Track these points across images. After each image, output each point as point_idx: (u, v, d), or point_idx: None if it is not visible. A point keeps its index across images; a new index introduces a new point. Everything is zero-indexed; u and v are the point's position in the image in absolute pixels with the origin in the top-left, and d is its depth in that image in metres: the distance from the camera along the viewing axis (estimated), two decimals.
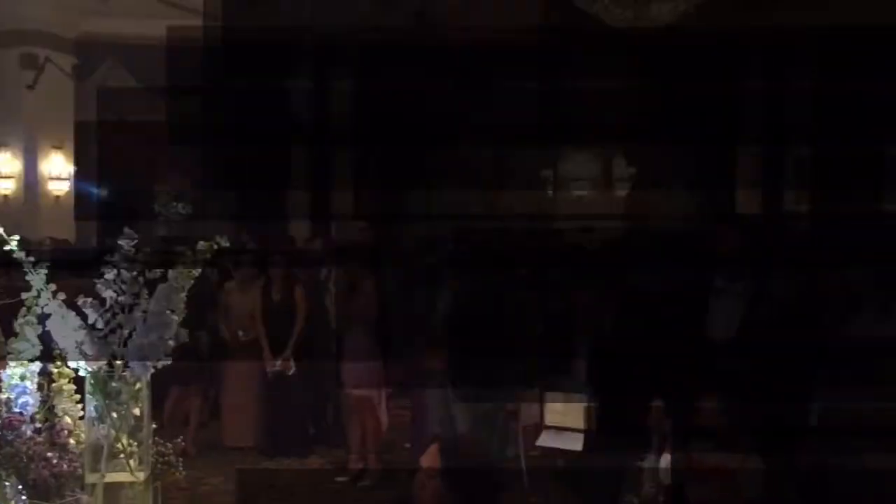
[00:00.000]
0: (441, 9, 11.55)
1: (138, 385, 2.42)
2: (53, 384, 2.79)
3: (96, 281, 2.41)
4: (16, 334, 2.79)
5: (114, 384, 2.40)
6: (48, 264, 2.49)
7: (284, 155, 13.45)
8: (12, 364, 2.76)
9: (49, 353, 2.71)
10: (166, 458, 2.67)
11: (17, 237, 2.46)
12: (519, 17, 10.54)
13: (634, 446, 4.32)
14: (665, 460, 3.67)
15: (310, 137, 13.33)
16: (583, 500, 4.55)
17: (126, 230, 2.46)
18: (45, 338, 2.61)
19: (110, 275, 2.40)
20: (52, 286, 2.46)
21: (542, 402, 4.57)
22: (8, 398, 2.74)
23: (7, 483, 2.51)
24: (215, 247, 2.52)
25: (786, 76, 14.40)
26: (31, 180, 12.58)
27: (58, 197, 12.88)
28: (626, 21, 7.53)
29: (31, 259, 2.45)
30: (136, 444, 2.43)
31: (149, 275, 2.45)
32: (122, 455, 2.41)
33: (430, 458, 2.53)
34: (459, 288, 5.98)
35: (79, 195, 13.02)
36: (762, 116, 14.36)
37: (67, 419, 2.73)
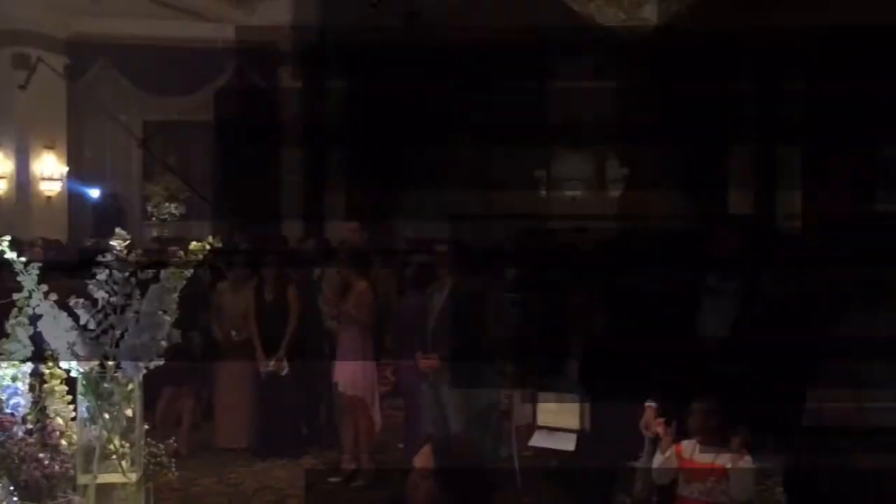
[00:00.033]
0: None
1: (130, 386, 2.42)
2: (45, 385, 2.78)
3: (88, 282, 2.41)
4: (7, 335, 2.78)
5: (106, 385, 2.39)
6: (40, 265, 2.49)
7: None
8: (4, 365, 2.75)
9: (41, 354, 2.70)
10: (158, 459, 2.67)
11: (7, 238, 2.45)
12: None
13: (627, 447, 4.32)
14: (657, 461, 3.67)
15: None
16: (575, 501, 4.55)
17: (118, 230, 2.45)
18: (37, 339, 2.60)
19: (102, 275, 2.39)
20: (44, 287, 2.45)
21: (534, 402, 4.57)
22: None
23: None
24: (207, 247, 2.51)
25: (780, 76, 14.45)
26: (22, 180, 12.55)
27: (49, 197, 12.84)
28: (619, 21, 7.54)
29: (23, 260, 2.45)
30: (128, 445, 2.43)
31: (141, 275, 2.45)
32: (114, 456, 2.40)
33: (423, 459, 2.54)
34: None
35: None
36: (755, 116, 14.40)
37: (59, 420, 2.72)
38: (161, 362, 2.42)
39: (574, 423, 4.33)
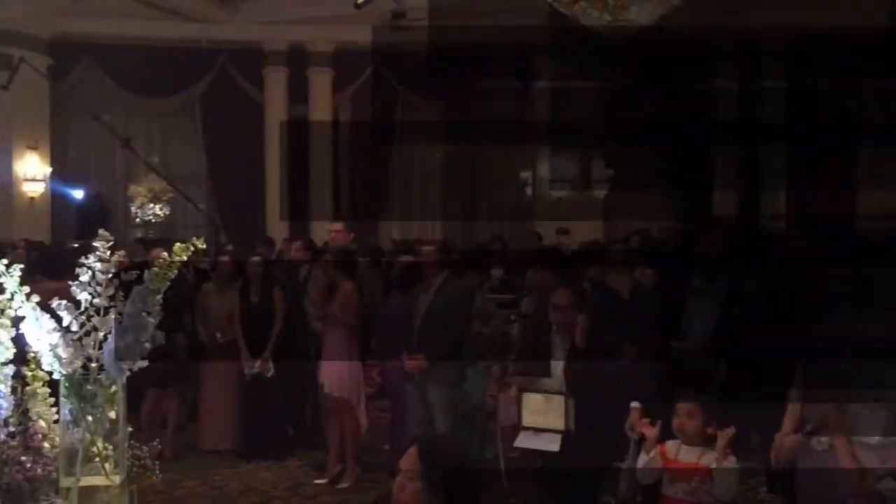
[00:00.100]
0: None
1: (114, 388, 2.41)
2: (27, 388, 2.76)
3: (71, 283, 2.39)
4: None
5: (89, 387, 2.38)
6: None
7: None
8: None
9: (23, 356, 2.68)
10: (142, 462, 2.65)
11: None
12: None
13: (612, 447, 4.34)
14: (642, 460, 3.68)
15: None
16: (560, 501, 4.56)
17: (101, 232, 2.44)
18: (20, 341, 2.58)
19: (85, 277, 2.38)
20: (26, 288, 2.44)
21: (519, 402, 4.57)
22: None
23: None
24: (191, 248, 2.50)
25: (763, 76, 14.55)
26: (5, 181, 12.48)
27: (32, 198, 12.76)
28: (604, 23, 7.55)
29: (5, 261, 2.43)
30: (111, 447, 2.42)
31: (124, 277, 2.44)
32: (97, 458, 2.39)
33: (409, 461, 2.53)
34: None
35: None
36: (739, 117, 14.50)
37: (42, 423, 2.71)
38: (145, 364, 2.41)
39: (559, 423, 4.34)
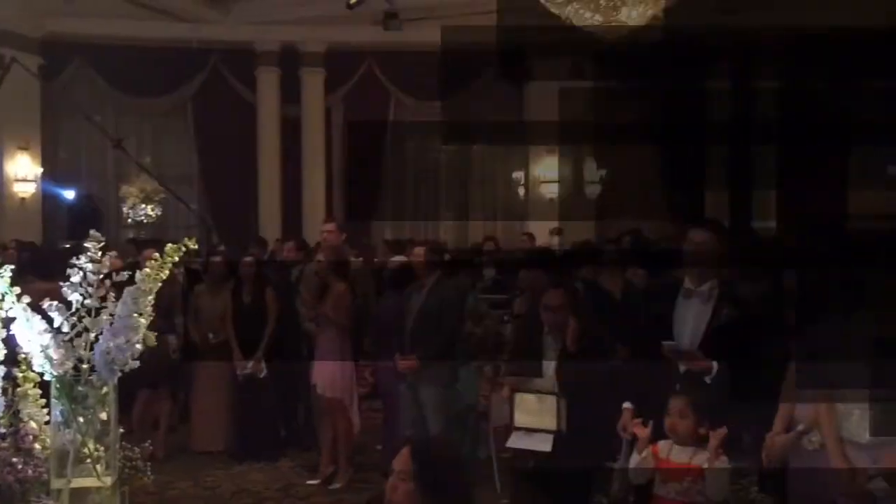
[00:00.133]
0: None
1: (105, 389, 2.40)
2: (18, 389, 2.75)
3: (62, 284, 2.38)
4: None
5: (80, 388, 2.37)
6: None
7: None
8: None
9: (14, 357, 2.67)
10: (134, 463, 2.64)
11: None
12: None
13: (604, 447, 4.35)
14: (634, 460, 3.69)
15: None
16: (552, 501, 4.56)
17: (92, 232, 2.43)
18: (10, 342, 2.57)
19: (76, 278, 2.37)
20: (17, 289, 2.43)
21: (511, 403, 4.58)
22: None
23: None
24: (183, 249, 2.50)
25: (755, 77, 14.59)
26: None
27: (23, 199, 12.72)
28: (595, 24, 7.56)
29: None
30: (102, 448, 2.40)
31: (116, 278, 2.43)
32: (88, 460, 2.38)
33: (401, 461, 2.53)
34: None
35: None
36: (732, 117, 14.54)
37: (33, 424, 2.69)
38: (136, 365, 2.40)
39: (551, 423, 4.35)
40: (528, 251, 9.24)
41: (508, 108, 14.62)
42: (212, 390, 7.23)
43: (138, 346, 2.40)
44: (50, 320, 2.37)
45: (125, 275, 2.46)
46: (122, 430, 2.54)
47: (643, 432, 3.65)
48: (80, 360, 2.38)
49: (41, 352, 2.36)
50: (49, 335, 2.36)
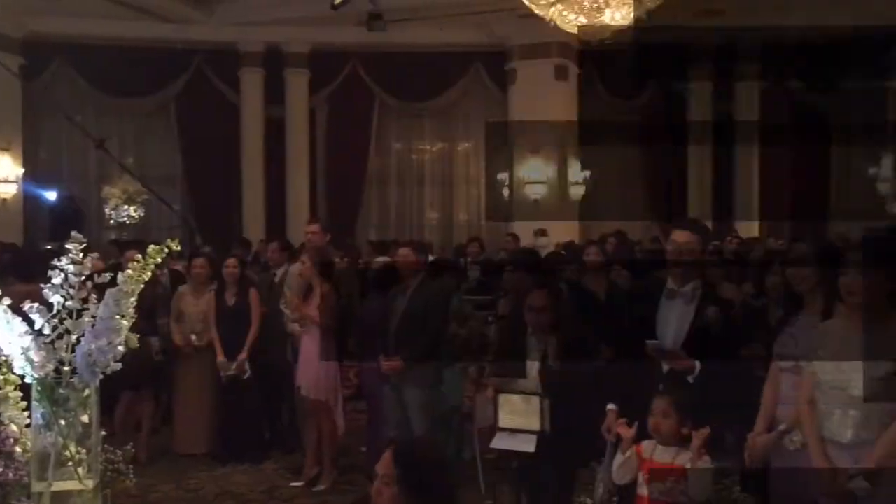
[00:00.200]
0: None
1: (87, 391, 2.38)
2: None
3: (43, 286, 2.37)
4: None
5: (61, 391, 2.36)
6: None
7: None
8: None
9: None
10: (116, 466, 2.63)
11: None
12: None
13: (588, 448, 4.36)
14: (617, 461, 3.70)
15: None
16: (536, 502, 4.57)
17: (74, 234, 2.41)
18: None
19: (58, 279, 2.36)
20: None
21: (496, 404, 4.58)
22: None
23: None
24: (166, 250, 2.49)
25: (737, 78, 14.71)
26: None
27: (5, 199, 12.62)
28: (579, 25, 7.60)
29: None
30: (84, 451, 2.39)
31: (97, 279, 2.41)
32: (70, 463, 2.36)
33: (384, 465, 2.53)
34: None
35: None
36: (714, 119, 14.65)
37: (13, 427, 2.67)
38: (118, 367, 2.39)
39: (535, 424, 4.35)
40: (512, 252, 9.24)
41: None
42: (195, 392, 7.19)
43: (120, 348, 2.39)
44: (31, 322, 2.36)
45: (107, 276, 2.45)
46: (103, 433, 2.53)
47: (628, 432, 3.67)
48: (62, 363, 2.37)
49: (22, 354, 2.35)
50: (30, 337, 2.34)
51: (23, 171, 12.80)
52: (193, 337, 7.09)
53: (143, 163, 14.51)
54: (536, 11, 7.95)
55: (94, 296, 2.39)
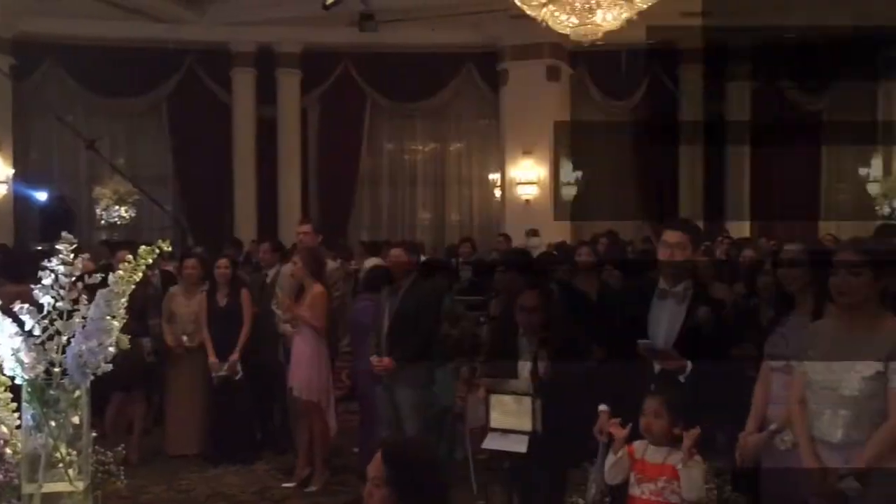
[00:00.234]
0: None
1: (77, 393, 2.37)
2: None
3: (34, 287, 2.36)
4: None
5: (52, 392, 2.35)
6: None
7: None
8: None
9: None
10: (107, 467, 2.62)
11: None
12: None
13: (580, 448, 4.36)
14: (609, 460, 3.71)
15: None
16: (528, 502, 4.58)
17: (64, 234, 2.40)
18: None
19: (48, 280, 2.35)
20: None
21: (487, 404, 4.58)
22: None
23: None
24: (157, 251, 2.48)
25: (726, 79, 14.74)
26: None
27: None
28: (571, 27, 7.62)
29: None
30: (75, 453, 2.38)
31: (88, 280, 2.41)
32: (60, 465, 2.36)
33: (374, 467, 2.53)
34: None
35: None
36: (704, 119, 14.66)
37: (3, 428, 2.66)
38: (109, 368, 2.38)
39: (526, 424, 4.36)
40: (504, 252, 9.25)
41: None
42: (186, 393, 7.18)
43: (111, 349, 2.39)
44: (21, 323, 2.35)
45: (98, 277, 2.44)
46: (94, 434, 2.52)
47: (620, 432, 3.67)
48: (52, 364, 2.36)
49: (12, 355, 2.34)
50: (20, 338, 2.34)
51: (13, 171, 12.76)
52: (185, 338, 7.07)
53: (135, 163, 14.48)
54: (528, 12, 7.96)
55: (84, 297, 2.39)
